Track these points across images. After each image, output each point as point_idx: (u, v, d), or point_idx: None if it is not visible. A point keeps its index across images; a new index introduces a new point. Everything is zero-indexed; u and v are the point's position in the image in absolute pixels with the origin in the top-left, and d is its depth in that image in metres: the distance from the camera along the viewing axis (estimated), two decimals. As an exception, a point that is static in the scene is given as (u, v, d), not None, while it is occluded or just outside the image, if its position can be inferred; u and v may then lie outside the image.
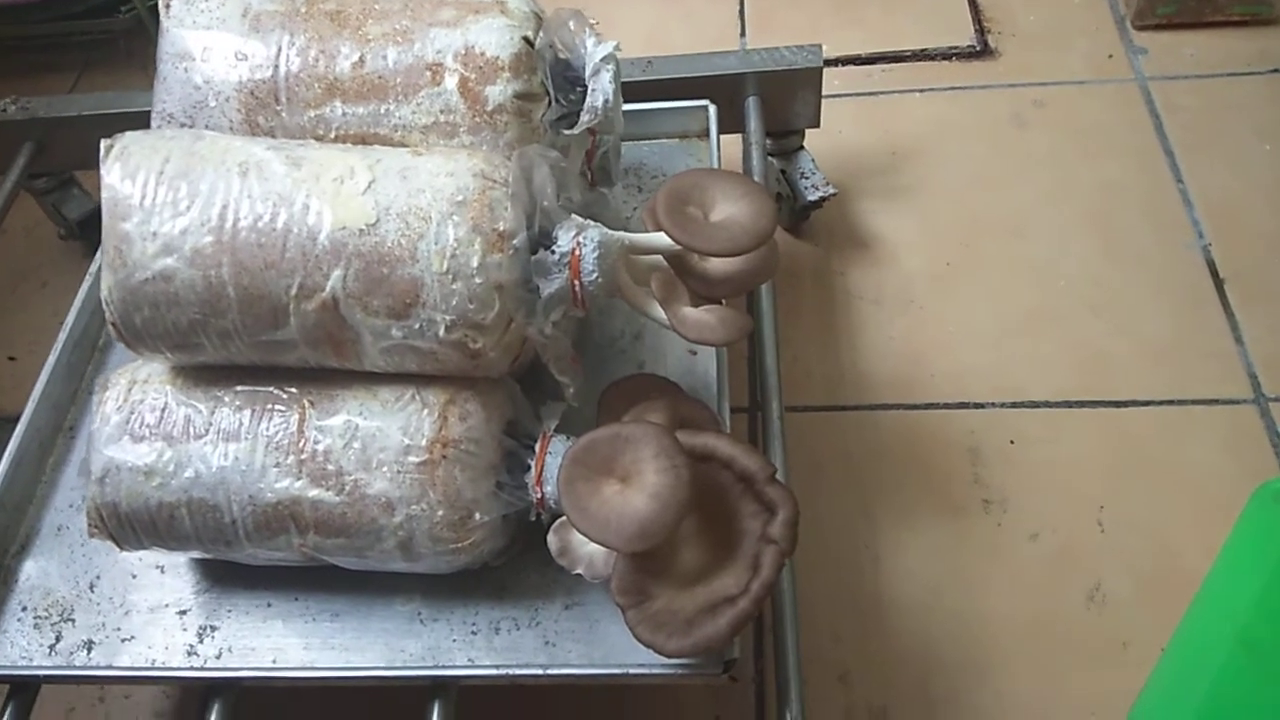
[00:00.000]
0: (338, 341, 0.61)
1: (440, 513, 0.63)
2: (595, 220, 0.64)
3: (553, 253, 0.62)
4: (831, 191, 1.04)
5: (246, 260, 0.59)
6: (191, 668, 0.70)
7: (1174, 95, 1.20)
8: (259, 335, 0.61)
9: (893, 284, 1.07)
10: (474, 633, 0.69)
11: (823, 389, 0.99)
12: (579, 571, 0.66)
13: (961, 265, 1.07)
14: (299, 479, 0.63)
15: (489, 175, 0.60)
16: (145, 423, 0.65)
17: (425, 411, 0.63)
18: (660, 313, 0.66)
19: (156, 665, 0.70)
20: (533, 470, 0.66)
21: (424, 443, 0.63)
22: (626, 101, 0.81)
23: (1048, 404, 0.97)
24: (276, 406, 0.64)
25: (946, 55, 1.28)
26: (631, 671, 0.65)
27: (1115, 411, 0.95)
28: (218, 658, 0.70)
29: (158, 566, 0.74)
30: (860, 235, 1.11)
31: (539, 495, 0.66)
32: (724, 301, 0.69)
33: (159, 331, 0.61)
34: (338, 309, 0.59)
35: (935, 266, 1.08)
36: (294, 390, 0.65)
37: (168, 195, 0.59)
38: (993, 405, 0.97)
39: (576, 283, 0.62)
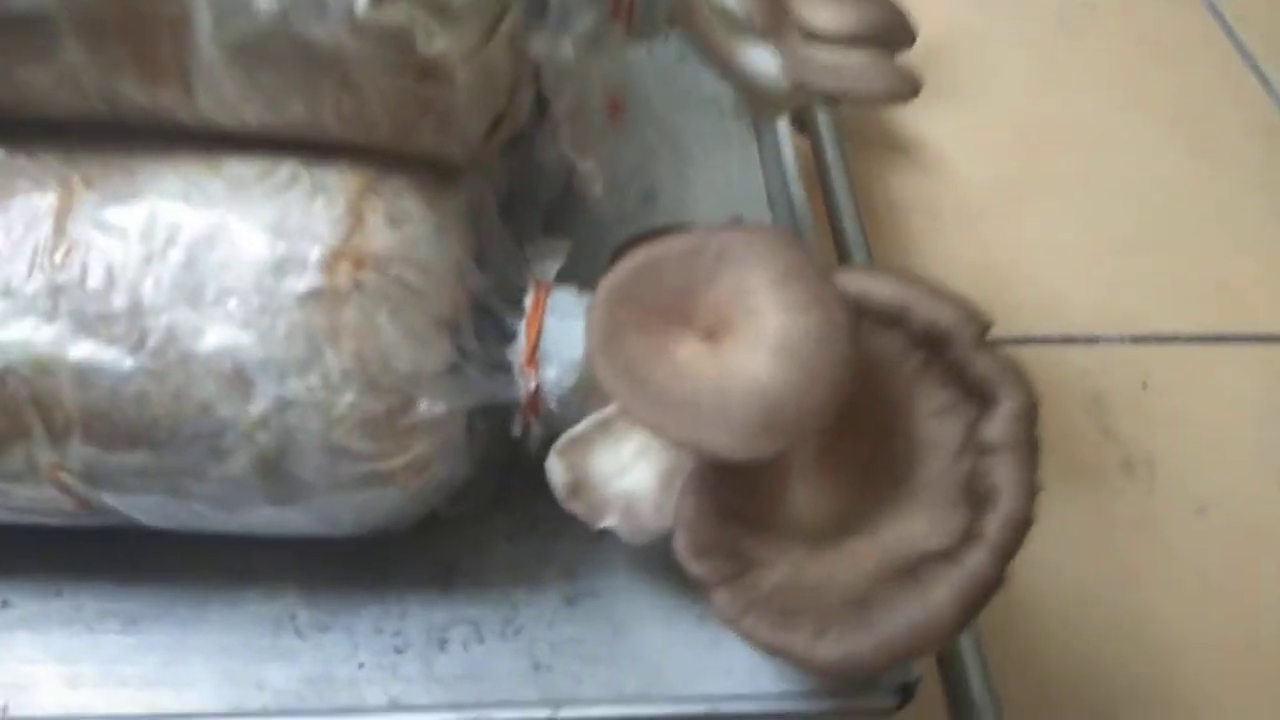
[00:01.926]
0: (142, 24, 0.29)
1: (348, 395, 0.31)
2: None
3: (581, -97, 0.33)
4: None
5: None
6: None
7: (1241, 7, 1.01)
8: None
9: (948, 196, 0.81)
10: (399, 650, 0.38)
11: (880, 316, 0.71)
12: (609, 524, 0.36)
13: (1032, 177, 0.83)
14: (51, 321, 0.30)
15: None
16: None
17: (320, 202, 0.32)
18: (756, 59, 0.37)
19: None
20: (521, 340, 0.36)
21: (317, 256, 0.31)
22: None
23: (1179, 339, 0.72)
24: (17, 183, 0.32)
25: (968, -46, 1.06)
26: (722, 710, 0.34)
27: (1265, 348, 0.71)
28: (-111, 706, 0.36)
29: None
30: (896, 139, 0.86)
31: (531, 384, 0.36)
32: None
33: None
34: (143, -63, 0.28)
35: (999, 177, 0.83)
36: (52, 157, 0.33)
37: None
38: (1109, 340, 0.71)
39: (623, -37, 0.33)
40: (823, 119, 0.57)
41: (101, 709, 0.36)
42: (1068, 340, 0.71)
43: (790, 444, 0.30)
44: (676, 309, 0.32)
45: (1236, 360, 0.71)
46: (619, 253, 0.46)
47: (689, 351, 0.32)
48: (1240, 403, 0.68)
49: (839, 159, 0.56)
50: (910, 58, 0.92)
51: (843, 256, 0.54)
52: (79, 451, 0.31)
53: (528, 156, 0.44)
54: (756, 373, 0.30)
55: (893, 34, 0.41)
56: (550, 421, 0.37)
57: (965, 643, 0.40)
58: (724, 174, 0.55)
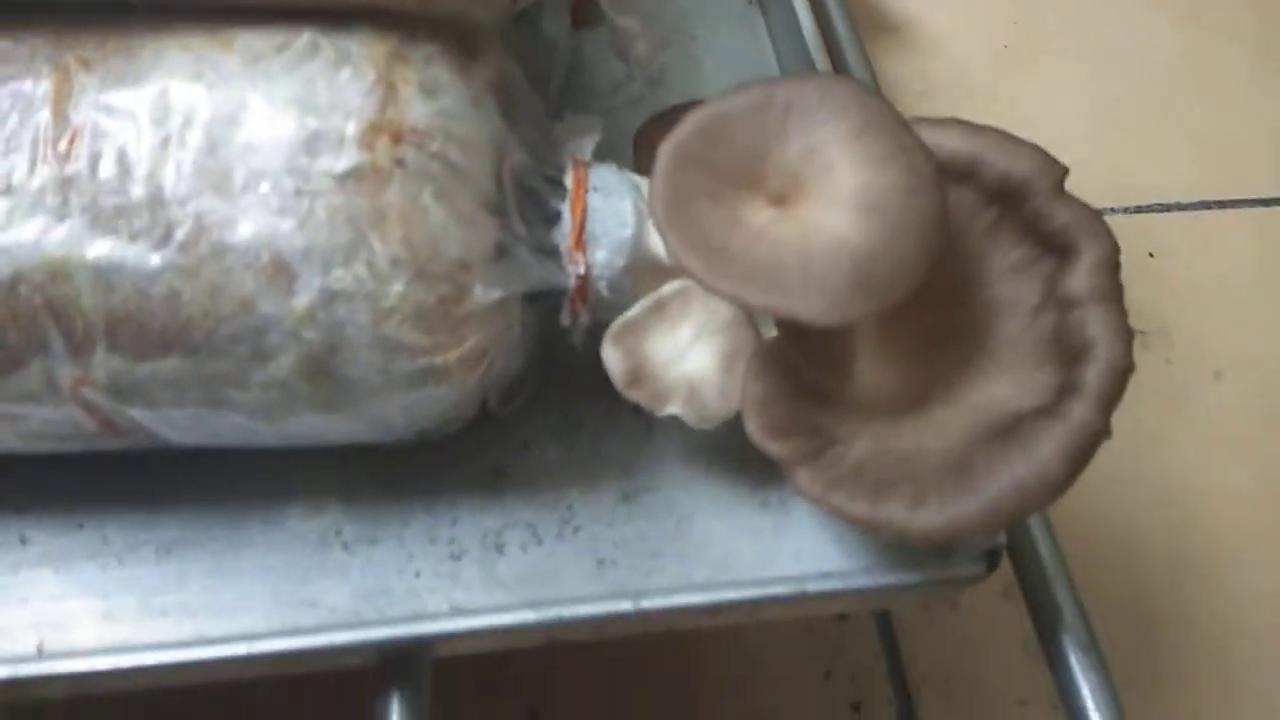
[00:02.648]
0: None
1: (397, 285, 0.29)
2: None
3: None
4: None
5: None
6: None
7: None
8: None
9: (940, 73, 0.79)
10: (455, 558, 0.36)
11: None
12: (672, 411, 0.34)
13: (1023, 49, 0.81)
14: (62, 219, 0.27)
15: None
16: None
17: (347, 72, 0.29)
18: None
19: None
20: (566, 221, 0.34)
21: (354, 131, 0.29)
22: None
23: (1182, 206, 0.71)
24: (3, 70, 0.28)
25: None
26: (809, 590, 0.33)
27: (1266, 211, 0.71)
28: (-88, 654, 0.33)
29: None
30: (885, 20, 0.83)
31: (581, 268, 0.33)
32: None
33: None
34: None
35: (990, 52, 0.81)
36: (39, 39, 0.29)
37: None
38: (1113, 211, 0.71)
39: None
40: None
41: (147, 638, 0.34)
42: (1072, 214, 0.70)
43: (883, 305, 0.28)
44: (744, 171, 0.30)
45: (1237, 225, 0.70)
46: (642, 135, 0.43)
47: (762, 217, 0.30)
48: (1244, 266, 0.68)
49: (850, 34, 0.53)
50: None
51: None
52: (104, 363, 0.29)
53: (536, 30, 0.41)
54: (841, 231, 0.28)
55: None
56: (599, 308, 0.35)
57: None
58: (732, 51, 0.52)
